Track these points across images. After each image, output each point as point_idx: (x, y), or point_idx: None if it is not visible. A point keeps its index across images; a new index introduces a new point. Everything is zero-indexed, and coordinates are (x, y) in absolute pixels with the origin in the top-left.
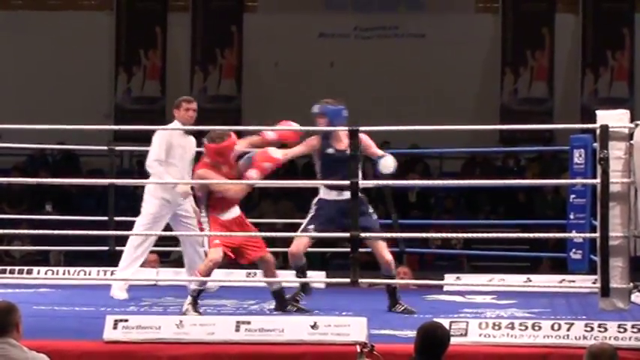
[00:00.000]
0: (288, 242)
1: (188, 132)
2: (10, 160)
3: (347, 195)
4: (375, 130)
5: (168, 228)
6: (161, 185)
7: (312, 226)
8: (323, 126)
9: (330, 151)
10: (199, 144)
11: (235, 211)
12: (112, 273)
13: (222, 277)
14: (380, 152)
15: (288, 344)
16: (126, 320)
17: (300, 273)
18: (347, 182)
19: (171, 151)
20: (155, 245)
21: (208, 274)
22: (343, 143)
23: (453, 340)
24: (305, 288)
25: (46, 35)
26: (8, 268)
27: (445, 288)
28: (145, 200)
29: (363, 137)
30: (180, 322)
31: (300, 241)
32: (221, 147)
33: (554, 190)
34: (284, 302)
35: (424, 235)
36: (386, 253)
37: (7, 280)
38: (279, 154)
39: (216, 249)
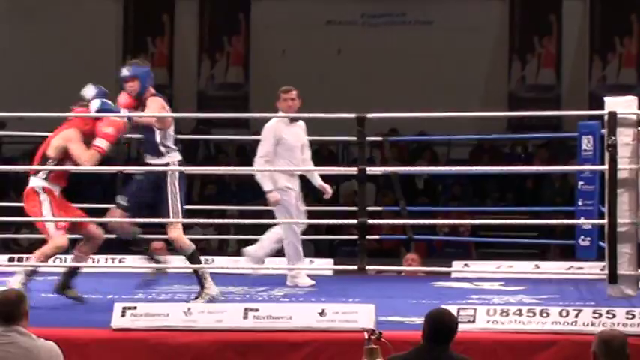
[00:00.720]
0: None
1: (293, 120)
2: (18, 148)
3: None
4: (382, 117)
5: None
6: (280, 177)
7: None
8: (134, 88)
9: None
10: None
11: None
12: (118, 261)
13: (230, 264)
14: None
15: (296, 331)
16: (134, 307)
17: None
18: (354, 169)
19: (278, 145)
20: (164, 233)
21: (47, 259)
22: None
23: (461, 327)
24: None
25: (53, 23)
26: (17, 255)
27: (453, 274)
28: None
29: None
30: (188, 309)
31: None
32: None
33: (562, 176)
34: (65, 284)
35: (432, 222)
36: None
37: (16, 268)
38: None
39: (63, 235)
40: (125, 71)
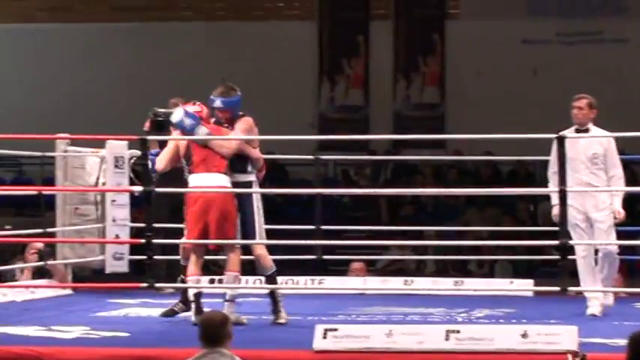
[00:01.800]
0: (492, 250)
1: (580, 131)
2: None
3: None
4: (582, 137)
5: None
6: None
7: None
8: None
9: None
10: None
11: None
12: (317, 282)
13: (429, 285)
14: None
15: (498, 353)
16: (335, 330)
17: None
18: (555, 189)
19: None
20: (362, 254)
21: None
22: None
23: None
24: None
25: (250, 45)
26: (217, 277)
27: None
28: None
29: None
30: (389, 331)
31: None
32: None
33: None
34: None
35: (632, 242)
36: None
37: (216, 290)
38: None
39: None
40: (219, 103)
